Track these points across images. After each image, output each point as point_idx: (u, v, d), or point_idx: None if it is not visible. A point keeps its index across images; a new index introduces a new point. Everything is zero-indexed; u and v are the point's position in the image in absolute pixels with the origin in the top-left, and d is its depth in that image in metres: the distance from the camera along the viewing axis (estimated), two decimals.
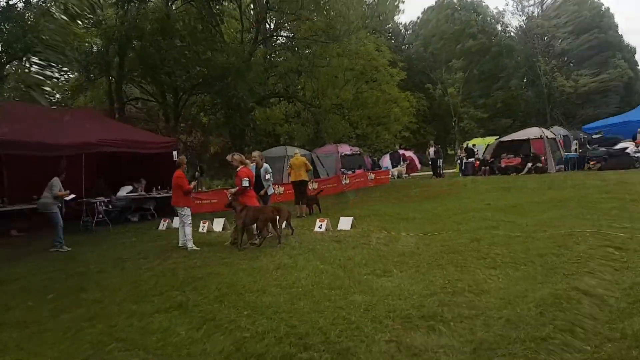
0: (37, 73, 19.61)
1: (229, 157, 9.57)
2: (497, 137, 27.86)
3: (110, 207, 13.97)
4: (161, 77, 19.46)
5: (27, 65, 22.70)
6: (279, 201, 17.08)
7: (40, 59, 18.89)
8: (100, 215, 13.14)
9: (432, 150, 27.22)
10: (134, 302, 5.77)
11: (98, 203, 13.27)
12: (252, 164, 10.53)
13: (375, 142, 24.46)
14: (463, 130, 43.73)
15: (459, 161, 27.23)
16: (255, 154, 11.01)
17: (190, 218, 9.48)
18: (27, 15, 12.28)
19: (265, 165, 10.98)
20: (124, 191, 14.56)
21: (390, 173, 26.28)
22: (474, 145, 28.32)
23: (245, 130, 23.05)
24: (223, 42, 20.95)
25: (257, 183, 10.89)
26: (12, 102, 16.45)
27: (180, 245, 9.42)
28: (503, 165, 23.01)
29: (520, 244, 7.34)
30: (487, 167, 23.55)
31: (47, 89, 34.90)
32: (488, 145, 25.84)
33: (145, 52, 19.04)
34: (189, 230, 9.30)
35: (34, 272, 7.96)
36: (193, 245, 9.11)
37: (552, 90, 43.77)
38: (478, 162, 24.56)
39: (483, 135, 36.92)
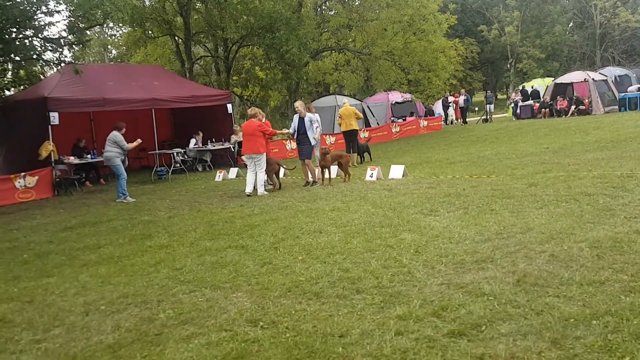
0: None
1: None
2: (553, 78, 26.54)
3: (187, 157, 15.11)
4: (217, 32, 19.76)
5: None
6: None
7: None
8: (178, 165, 14.16)
9: (462, 98, 26.46)
10: (210, 239, 6.31)
11: (175, 154, 14.25)
12: (295, 115, 10.63)
13: (428, 88, 23.82)
14: (521, 72, 41.82)
15: (512, 105, 26.24)
16: (297, 103, 10.85)
17: (266, 164, 9.72)
18: None
19: (310, 114, 10.75)
20: (191, 144, 15.48)
21: (442, 119, 25.81)
22: (532, 87, 27.07)
23: (299, 83, 23.23)
24: None
25: (300, 133, 10.77)
26: (87, 65, 17.28)
27: (247, 192, 9.51)
28: (558, 107, 22.28)
29: (565, 183, 7.49)
30: (547, 110, 22.63)
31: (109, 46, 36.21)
32: (547, 86, 24.70)
33: (209, 13, 19.59)
34: (263, 176, 9.67)
35: (115, 216, 8.65)
36: (265, 191, 9.56)
37: (609, 29, 41.11)
38: (537, 104, 23.58)
39: (542, 76, 35.15)
